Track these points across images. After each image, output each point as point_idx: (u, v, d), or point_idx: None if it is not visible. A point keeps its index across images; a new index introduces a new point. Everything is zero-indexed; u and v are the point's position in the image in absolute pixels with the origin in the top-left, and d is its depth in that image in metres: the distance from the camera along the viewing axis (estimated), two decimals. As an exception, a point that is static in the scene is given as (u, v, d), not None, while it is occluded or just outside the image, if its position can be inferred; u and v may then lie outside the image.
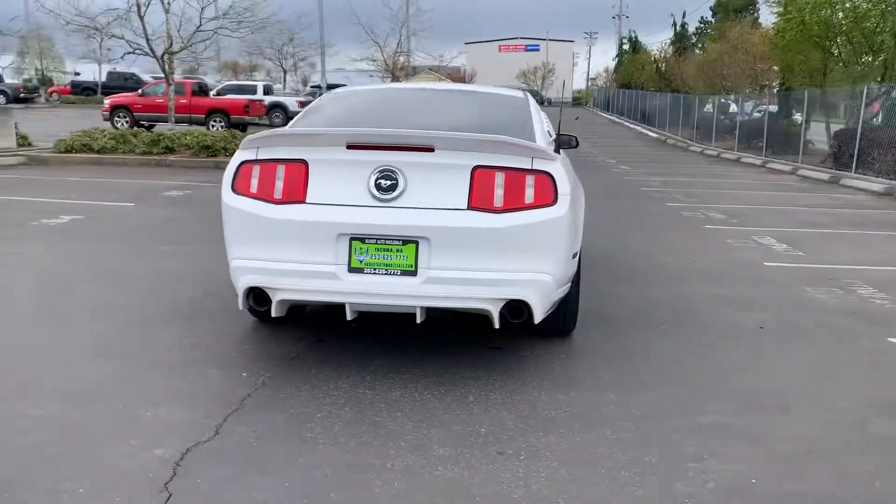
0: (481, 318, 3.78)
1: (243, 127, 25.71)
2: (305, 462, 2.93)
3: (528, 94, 5.19)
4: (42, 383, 3.66)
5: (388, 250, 3.61)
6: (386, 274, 3.61)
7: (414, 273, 3.60)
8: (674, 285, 5.98)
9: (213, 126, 24.65)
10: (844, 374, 4.11)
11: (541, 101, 74.23)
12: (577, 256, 4.22)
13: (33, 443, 3.02)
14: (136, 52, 15.02)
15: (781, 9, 19.84)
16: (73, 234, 7.46)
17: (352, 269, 3.62)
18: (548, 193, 3.69)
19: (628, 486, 2.82)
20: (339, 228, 3.61)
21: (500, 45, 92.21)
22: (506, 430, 3.27)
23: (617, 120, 44.80)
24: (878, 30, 16.88)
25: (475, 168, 3.64)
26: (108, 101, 27.75)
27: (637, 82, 44.94)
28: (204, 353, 4.07)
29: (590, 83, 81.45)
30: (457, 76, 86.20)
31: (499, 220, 3.60)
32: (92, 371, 3.81)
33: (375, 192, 3.61)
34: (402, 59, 43.23)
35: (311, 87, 45.08)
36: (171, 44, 14.89)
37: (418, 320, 3.72)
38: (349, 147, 3.68)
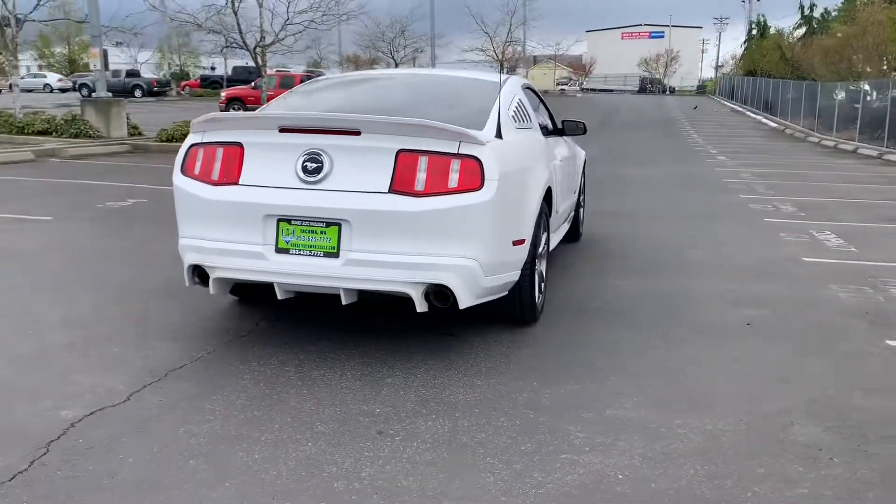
0: (442, 303, 3.75)
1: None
2: (185, 431, 3.06)
3: (512, 79, 5.10)
4: (4, 346, 3.99)
5: (312, 232, 3.68)
6: (310, 255, 3.69)
7: (336, 255, 3.66)
8: (686, 280, 5.72)
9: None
10: (801, 377, 3.82)
11: (662, 90, 72.14)
12: (528, 243, 4.14)
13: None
14: (233, 45, 15.77)
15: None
16: (126, 215, 8.00)
17: (279, 250, 3.72)
18: (474, 178, 3.65)
19: (483, 472, 2.78)
20: (266, 210, 3.72)
21: (622, 33, 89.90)
22: (401, 411, 3.28)
23: (738, 108, 42.70)
24: None
25: (399, 152, 3.65)
26: (224, 94, 29.41)
27: (762, 69, 42.64)
28: (164, 328, 4.31)
29: (718, 71, 77.93)
30: (577, 65, 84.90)
31: (418, 204, 3.60)
32: (55, 338, 4.12)
33: (302, 175, 3.70)
34: (512, 48, 43.00)
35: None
36: (262, 37, 15.55)
37: (343, 302, 3.78)
38: (281, 130, 3.78)
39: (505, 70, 54.39)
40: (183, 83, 50.36)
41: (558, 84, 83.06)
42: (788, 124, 29.21)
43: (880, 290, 5.47)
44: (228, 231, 3.80)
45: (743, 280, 5.75)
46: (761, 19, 51.04)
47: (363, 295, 3.85)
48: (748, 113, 38.67)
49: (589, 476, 2.77)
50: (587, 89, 77.28)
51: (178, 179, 3.98)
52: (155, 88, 42.48)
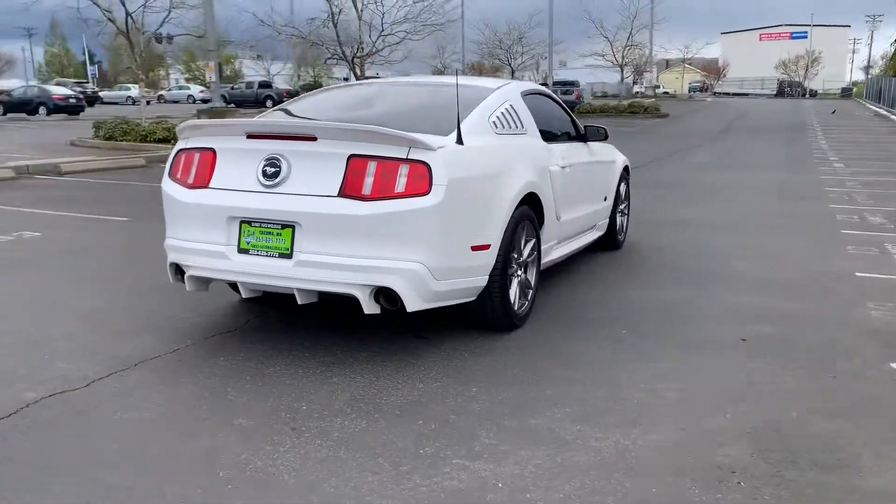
0: (392, 305, 3.83)
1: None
2: (119, 417, 3.29)
3: (508, 86, 5.06)
4: (15, 332, 4.40)
5: (269, 233, 3.85)
6: (267, 256, 3.86)
7: (290, 256, 3.81)
8: (710, 293, 5.46)
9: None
10: (769, 397, 3.58)
11: (802, 93, 68.00)
12: (494, 248, 4.12)
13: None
14: (335, 56, 16.40)
15: None
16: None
17: (240, 251, 3.92)
18: (422, 183, 3.69)
19: (366, 472, 2.82)
20: (230, 212, 3.92)
21: (760, 34, 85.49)
22: (326, 410, 3.37)
23: (884, 112, 39.66)
24: None
25: (350, 157, 3.75)
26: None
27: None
28: (155, 322, 4.60)
29: (867, 72, 72.64)
30: (711, 68, 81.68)
31: (365, 208, 3.68)
32: (59, 327, 4.50)
33: (262, 179, 3.87)
34: (634, 52, 41.90)
35: (541, 84, 45.49)
36: (358, 48, 16.09)
37: (299, 301, 3.92)
38: (248, 136, 3.97)
39: (631, 75, 53.16)
40: (312, 93, 52.68)
41: (690, 88, 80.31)
42: (933, 129, 26.85)
43: (924, 310, 5.01)
44: (199, 232, 4.03)
45: (774, 294, 5.42)
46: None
47: (324, 297, 3.97)
48: (893, 117, 35.86)
49: (469, 483, 2.76)
50: (720, 93, 74.17)
51: (165, 182, 4.26)
52: (285, 98, 44.57)
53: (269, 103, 42.46)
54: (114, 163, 13.84)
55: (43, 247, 6.88)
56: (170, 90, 56.20)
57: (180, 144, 4.25)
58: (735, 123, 30.34)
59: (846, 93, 64.43)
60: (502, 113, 4.66)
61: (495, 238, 4.14)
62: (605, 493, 2.69)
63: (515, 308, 4.45)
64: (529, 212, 4.54)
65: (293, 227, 3.80)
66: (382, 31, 15.96)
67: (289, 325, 4.55)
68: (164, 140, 16.97)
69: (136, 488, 2.71)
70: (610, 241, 6.75)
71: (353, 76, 17.13)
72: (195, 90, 53.09)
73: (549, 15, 38.96)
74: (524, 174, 4.46)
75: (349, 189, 3.73)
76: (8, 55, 58.02)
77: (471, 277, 4.04)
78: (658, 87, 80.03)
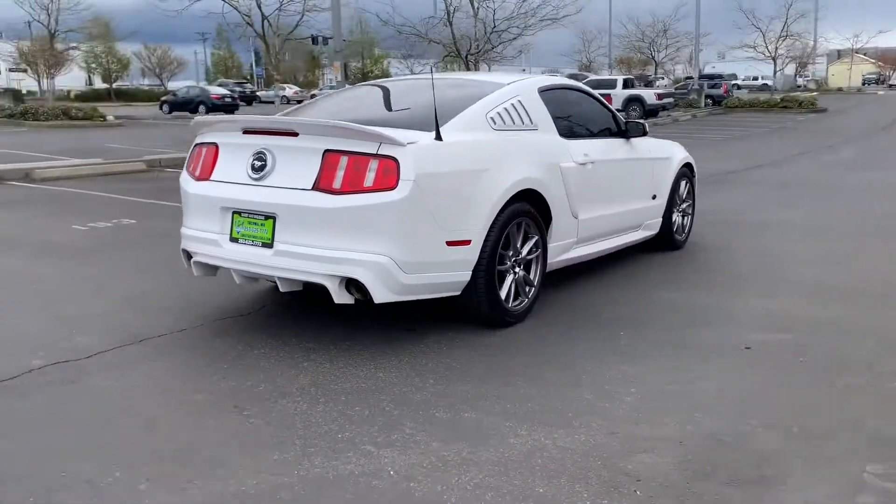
0: (364, 296, 3.95)
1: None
2: (98, 385, 3.63)
3: (521, 82, 5.00)
4: (53, 308, 4.91)
5: (254, 224, 4.08)
6: (252, 245, 4.09)
7: (271, 245, 4.02)
8: (748, 298, 5.15)
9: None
10: (732, 406, 3.38)
11: None
12: (476, 244, 4.13)
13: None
14: (451, 54, 16.68)
15: None
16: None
17: (232, 239, 4.18)
18: (390, 177, 3.79)
19: (271, 451, 2.96)
20: (223, 202, 4.19)
21: (949, 20, 77.18)
22: (278, 392, 3.54)
23: None
24: None
25: (326, 152, 3.91)
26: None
27: None
28: (185, 304, 4.96)
29: None
30: (888, 58, 75.05)
31: (334, 201, 3.83)
32: (97, 306, 4.97)
33: (250, 172, 4.11)
34: (790, 42, 39.28)
35: (686, 78, 43.62)
36: (470, 45, 16.24)
37: (281, 289, 4.12)
38: (244, 132, 4.23)
39: (785, 67, 49.79)
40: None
41: (864, 80, 74.33)
42: None
43: (984, 325, 4.49)
44: (201, 221, 4.34)
45: (820, 302, 5.04)
46: None
47: (307, 286, 4.15)
48: None
49: (364, 468, 2.83)
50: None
51: (182, 175, 4.61)
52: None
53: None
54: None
55: (131, 233, 7.56)
56: (321, 90, 58.95)
57: (197, 139, 4.58)
58: (901, 119, 27.83)
59: None
60: (505, 109, 4.63)
61: (477, 234, 4.14)
62: (487, 488, 2.68)
63: (509, 305, 4.43)
64: (528, 208, 4.50)
65: (274, 219, 4.00)
66: (494, 27, 16.03)
67: (299, 313, 4.78)
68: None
69: (73, 450, 3.00)
70: (666, 242, 6.50)
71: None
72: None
73: (696, 6, 37.38)
74: (520, 170, 4.43)
75: (323, 182, 3.88)
76: (180, 58, 63.08)
77: (449, 272, 4.08)
78: (823, 79, 74.43)
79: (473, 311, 4.34)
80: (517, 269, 4.50)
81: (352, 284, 3.90)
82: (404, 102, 4.87)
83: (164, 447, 3.02)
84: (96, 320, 4.66)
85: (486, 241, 4.19)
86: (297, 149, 4.01)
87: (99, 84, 62.24)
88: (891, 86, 67.55)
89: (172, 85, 55.34)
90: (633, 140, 5.88)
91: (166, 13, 22.03)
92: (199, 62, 69.99)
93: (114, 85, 58.92)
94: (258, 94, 52.02)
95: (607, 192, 5.43)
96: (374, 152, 3.82)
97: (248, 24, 19.40)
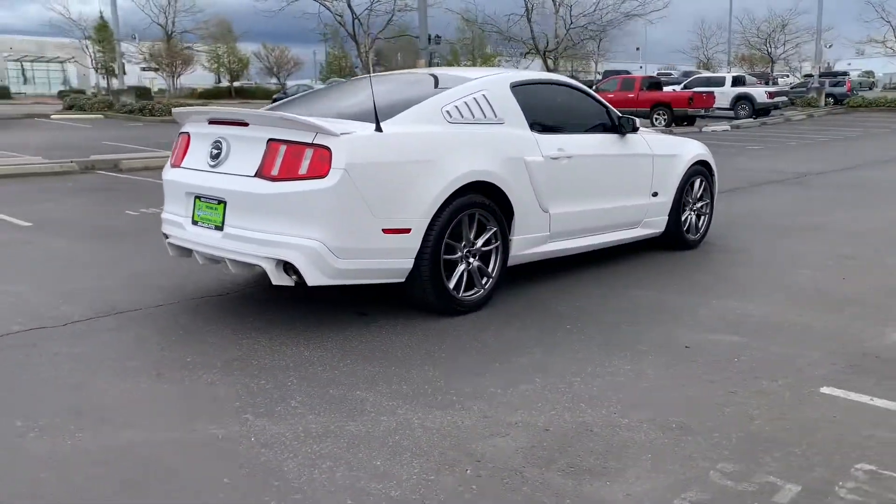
0: (301, 278, 4.16)
1: (689, 120, 25.74)
2: (57, 353, 3.99)
3: (491, 78, 5.05)
4: (52, 284, 5.39)
5: (210, 208, 4.37)
6: (207, 227, 4.38)
7: (221, 228, 4.29)
8: (720, 299, 5.03)
9: (656, 119, 25.30)
10: (626, 400, 3.35)
11: None
12: (417, 232, 4.25)
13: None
14: (532, 51, 16.68)
15: None
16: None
17: (193, 222, 4.49)
18: (322, 166, 3.98)
19: (160, 417, 3.21)
20: (188, 188, 4.51)
21: None
22: (203, 364, 3.79)
23: None
24: None
25: (269, 140, 4.14)
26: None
27: None
28: (177, 282, 5.34)
29: None
30: None
31: (270, 188, 4.06)
32: (104, 281, 5.41)
33: (209, 160, 4.40)
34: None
35: (804, 76, 41.28)
36: (548, 43, 16.15)
37: (232, 270, 4.39)
38: (209, 122, 4.53)
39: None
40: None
41: None
42: None
43: (966, 336, 4.19)
44: (173, 205, 4.68)
45: (800, 306, 4.85)
46: None
47: (249, 267, 4.38)
48: None
49: (228, 434, 3.03)
50: None
51: (166, 165, 4.97)
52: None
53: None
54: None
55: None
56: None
57: (179, 129, 4.93)
58: None
59: None
60: (465, 103, 4.71)
61: (417, 223, 4.26)
62: (328, 458, 2.83)
63: (458, 294, 4.52)
64: (481, 200, 4.56)
65: (224, 203, 4.27)
66: (571, 23, 15.89)
67: (275, 297, 5.03)
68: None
69: (15, 408, 3.36)
70: (675, 241, 6.36)
71: (545, 70, 17.25)
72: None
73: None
74: (471, 162, 4.50)
75: (265, 170, 4.12)
76: (296, 58, 65.71)
77: (388, 259, 4.22)
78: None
79: (419, 298, 4.46)
80: (470, 260, 4.58)
81: (289, 267, 4.11)
82: (378, 95, 5.02)
83: (73, 405, 3.33)
84: (89, 293, 5.10)
85: (429, 230, 4.31)
86: (246, 138, 4.26)
87: (226, 83, 65.77)
88: None
89: (290, 84, 57.86)
90: (634, 136, 5.81)
91: (264, 14, 23.06)
92: (317, 62, 72.66)
93: (234, 84, 62.11)
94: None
95: (589, 188, 5.39)
96: (310, 142, 4.01)
97: (339, 24, 20.03)
